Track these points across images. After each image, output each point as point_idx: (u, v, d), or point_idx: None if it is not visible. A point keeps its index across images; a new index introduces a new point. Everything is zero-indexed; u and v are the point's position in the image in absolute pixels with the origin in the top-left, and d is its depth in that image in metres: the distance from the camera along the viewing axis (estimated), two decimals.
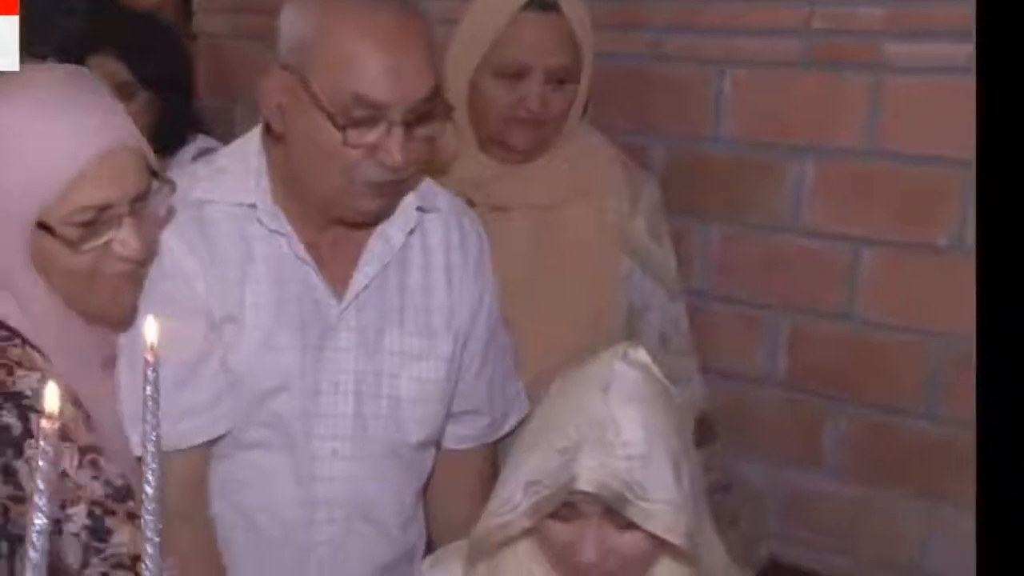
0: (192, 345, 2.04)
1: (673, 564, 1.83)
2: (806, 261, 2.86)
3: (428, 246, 2.20)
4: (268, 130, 2.09)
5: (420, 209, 2.17)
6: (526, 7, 2.43)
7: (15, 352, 1.79)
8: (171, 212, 2.01)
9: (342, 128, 1.94)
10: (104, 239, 1.82)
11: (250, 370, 2.07)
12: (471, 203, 2.41)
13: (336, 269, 2.12)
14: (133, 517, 1.75)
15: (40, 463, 0.88)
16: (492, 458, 2.39)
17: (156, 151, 2.00)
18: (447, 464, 2.35)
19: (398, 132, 1.96)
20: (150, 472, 1.05)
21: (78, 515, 1.72)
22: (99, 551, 1.71)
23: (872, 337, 2.79)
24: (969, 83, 2.47)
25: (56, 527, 1.70)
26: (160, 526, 1.12)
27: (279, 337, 2.08)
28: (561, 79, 2.48)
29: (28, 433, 1.72)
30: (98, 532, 1.71)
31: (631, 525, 1.74)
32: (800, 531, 2.95)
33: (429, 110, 2.00)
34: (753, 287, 2.96)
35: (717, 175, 2.98)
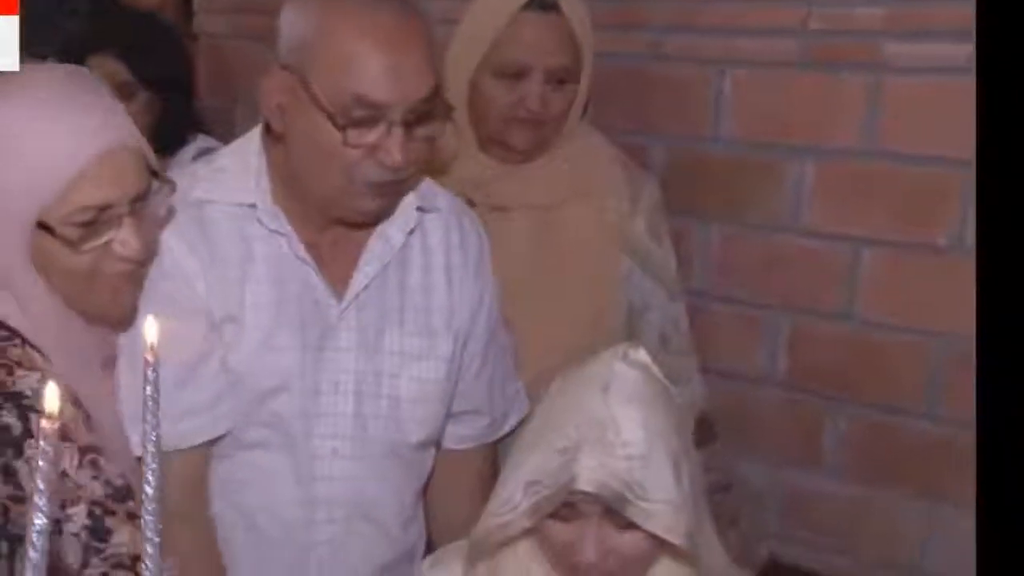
0: (192, 345, 2.04)
1: (673, 564, 1.84)
2: (806, 261, 2.86)
3: (428, 246, 2.20)
4: (268, 130, 2.09)
5: (420, 209, 2.17)
6: (526, 7, 2.43)
7: (15, 352, 1.79)
8: (171, 212, 2.01)
9: (342, 128, 1.94)
10: (104, 239, 1.82)
11: (250, 370, 2.07)
12: (471, 203, 2.41)
13: (336, 269, 2.12)
14: (133, 517, 1.75)
15: (40, 463, 0.88)
16: (492, 458, 2.39)
17: (156, 151, 2.00)
18: (447, 464, 2.35)
19: (398, 132, 1.96)
20: (150, 472, 1.05)
21: (78, 515, 1.71)
22: (99, 551, 1.71)
23: (872, 337, 2.79)
24: (969, 83, 2.48)
25: (56, 527, 1.70)
26: (160, 526, 1.13)
27: (279, 337, 2.08)
28: (561, 79, 2.48)
29: (28, 433, 1.71)
30: (98, 532, 1.71)
31: (631, 525, 1.74)
32: (800, 531, 2.95)
33: (429, 110, 2.00)
34: (753, 287, 2.96)
35: (717, 175, 2.98)
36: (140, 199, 1.85)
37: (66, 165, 1.75)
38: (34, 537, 0.87)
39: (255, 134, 2.14)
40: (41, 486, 0.87)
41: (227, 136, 2.58)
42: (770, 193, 2.89)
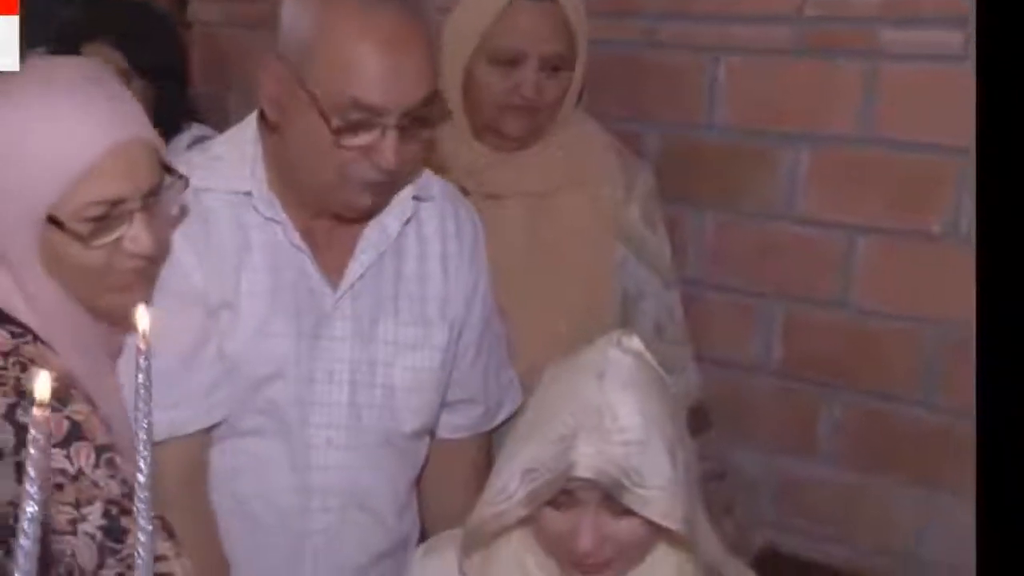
0: (189, 333, 2.03)
1: (670, 550, 1.84)
2: (800, 249, 2.86)
3: (423, 235, 2.20)
4: (264, 118, 2.08)
5: (416, 198, 2.16)
6: None
7: (28, 349, 1.76)
8: (183, 211, 1.99)
9: (336, 131, 1.93)
10: (115, 235, 1.78)
11: (245, 357, 2.06)
12: (465, 191, 2.40)
13: (332, 257, 2.12)
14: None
15: (31, 451, 0.87)
16: (486, 448, 2.39)
17: None
18: (441, 454, 2.34)
19: (392, 135, 1.95)
20: (142, 460, 1.05)
21: (93, 515, 1.68)
22: (115, 551, 1.68)
23: (867, 325, 2.79)
24: (964, 70, 2.49)
25: (71, 527, 1.68)
26: (152, 515, 1.12)
27: (274, 324, 2.08)
28: (555, 66, 2.47)
29: None
30: (114, 532, 1.68)
31: (628, 512, 1.74)
32: (795, 519, 2.95)
33: (426, 113, 2.00)
34: (747, 275, 2.96)
35: (711, 163, 2.98)
36: (152, 194, 1.81)
37: (78, 158, 1.72)
38: (25, 525, 0.87)
39: (250, 122, 2.13)
40: (32, 473, 0.87)
41: (221, 124, 2.58)
42: (765, 181, 2.89)
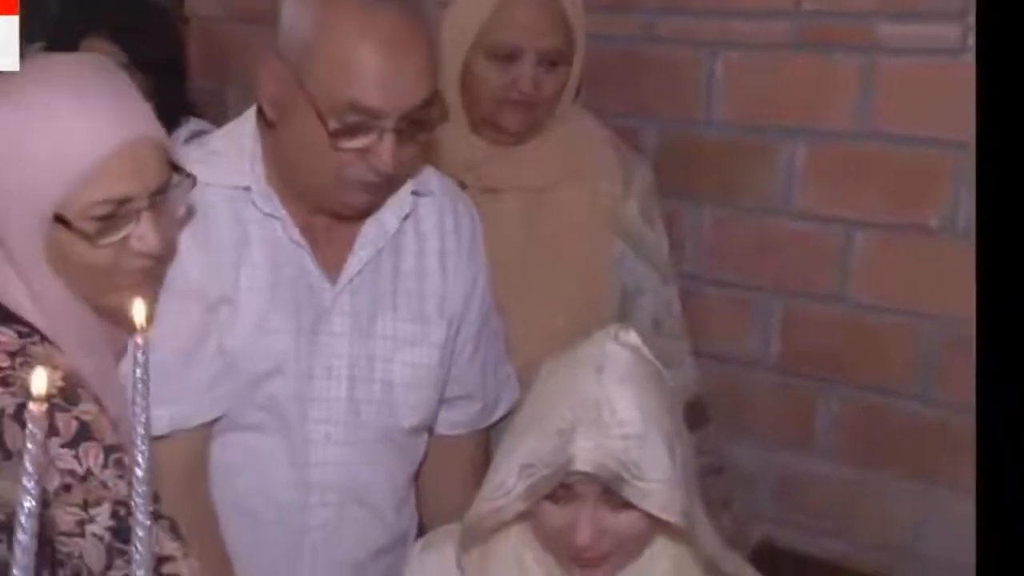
0: (189, 329, 2.03)
1: (668, 544, 1.84)
2: (798, 244, 2.86)
3: (422, 231, 2.20)
4: (263, 113, 2.08)
5: (415, 193, 2.16)
6: None
7: (36, 350, 1.75)
8: (191, 212, 1.99)
9: (333, 134, 1.92)
10: (122, 234, 1.77)
11: (245, 353, 2.06)
12: (462, 185, 2.40)
13: (331, 253, 2.12)
14: (158, 517, 1.72)
15: (28, 446, 0.87)
16: (484, 444, 2.40)
17: None
18: (439, 450, 2.35)
19: (390, 138, 1.95)
20: (140, 455, 1.05)
21: (101, 516, 1.67)
22: (123, 552, 1.66)
23: (865, 319, 2.79)
24: (961, 64, 2.49)
25: (79, 529, 1.68)
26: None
27: (273, 320, 2.08)
28: (553, 61, 2.47)
29: (54, 431, 1.68)
30: (122, 533, 1.67)
31: (626, 505, 1.75)
32: (793, 514, 2.95)
33: (425, 116, 1.99)
34: (745, 270, 2.96)
35: (709, 158, 2.98)
36: (160, 192, 1.80)
37: (83, 157, 1.71)
38: (23, 520, 0.87)
39: (249, 116, 2.13)
40: (29, 468, 0.87)
41: (219, 119, 2.58)
42: (762, 176, 2.89)
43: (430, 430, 2.32)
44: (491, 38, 2.45)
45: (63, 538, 1.66)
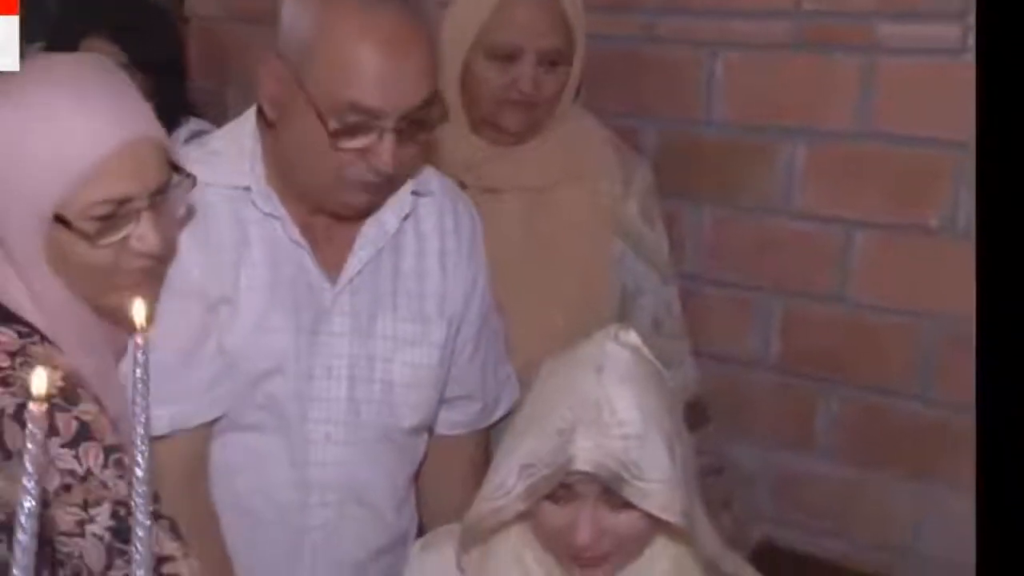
0: (189, 329, 2.03)
1: (668, 544, 1.85)
2: (798, 244, 2.86)
3: (422, 231, 2.20)
4: (263, 113, 2.07)
5: (415, 193, 2.16)
6: None
7: (36, 350, 1.74)
8: (191, 212, 1.99)
9: (332, 134, 1.92)
10: (122, 234, 1.76)
11: (244, 353, 2.06)
12: (462, 185, 2.40)
13: (330, 253, 2.12)
14: (158, 517, 1.72)
15: (28, 446, 0.87)
16: (484, 444, 2.40)
17: None
18: (439, 450, 2.35)
19: (390, 138, 1.94)
20: (139, 454, 1.05)
21: (101, 516, 1.67)
22: (123, 552, 1.66)
23: (865, 319, 2.79)
24: (961, 64, 2.49)
25: (79, 529, 1.67)
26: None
27: (273, 319, 2.07)
28: (553, 61, 2.47)
29: (54, 431, 1.68)
30: (122, 533, 1.67)
31: (626, 505, 1.75)
32: (793, 514, 2.95)
33: (424, 116, 1.99)
34: (745, 270, 2.96)
35: (709, 158, 2.98)
36: (160, 192, 1.80)
37: (83, 157, 1.70)
38: (23, 520, 0.87)
39: (249, 116, 2.13)
40: (30, 468, 0.87)
41: (219, 118, 2.57)
42: (762, 176, 2.89)
43: (430, 430, 2.31)
44: (491, 38, 2.44)
45: (63, 538, 1.66)
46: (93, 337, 1.84)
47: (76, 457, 1.68)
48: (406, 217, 2.15)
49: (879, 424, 2.79)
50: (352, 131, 1.93)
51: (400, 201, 2.13)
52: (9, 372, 1.70)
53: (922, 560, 2.75)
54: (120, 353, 1.90)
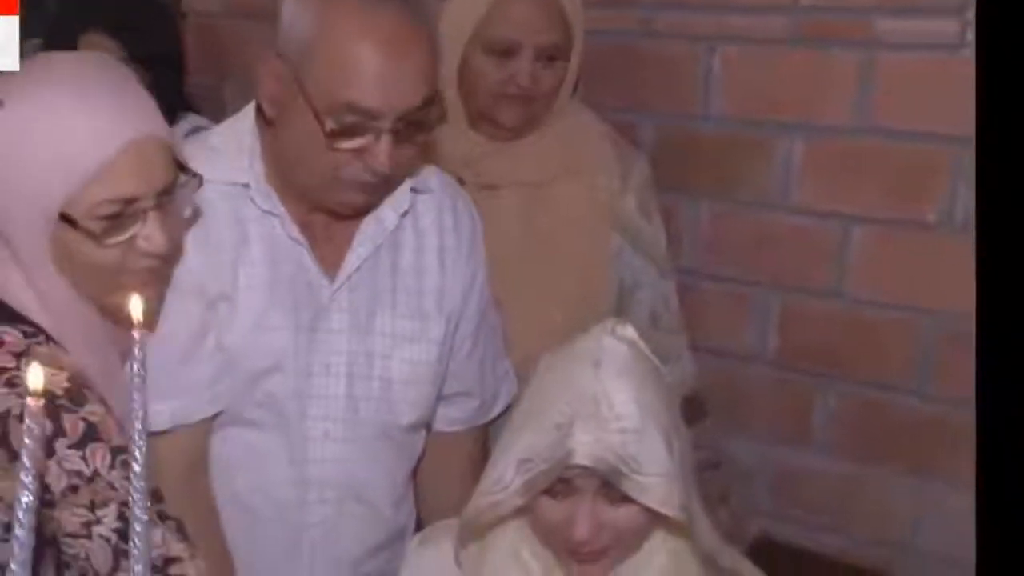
0: (189, 325, 2.03)
1: (666, 538, 1.85)
2: (796, 239, 2.86)
3: (420, 228, 2.20)
4: (261, 110, 2.07)
5: (414, 190, 2.16)
6: None
7: (41, 350, 1.74)
8: (197, 212, 1.98)
9: (330, 135, 1.92)
10: (128, 234, 1.76)
11: (243, 351, 2.06)
12: (460, 181, 2.39)
13: (329, 250, 2.11)
14: (165, 518, 1.72)
15: (26, 441, 0.87)
16: (483, 441, 2.40)
17: None
18: (438, 447, 2.35)
19: (387, 139, 1.94)
20: (137, 450, 1.05)
21: (108, 517, 1.66)
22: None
23: (862, 314, 2.79)
24: (960, 59, 2.49)
25: (86, 530, 1.67)
26: (149, 505, 1.12)
27: (272, 317, 2.07)
28: (551, 56, 2.47)
29: (61, 432, 1.68)
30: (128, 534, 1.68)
31: (625, 499, 1.75)
32: (791, 509, 2.95)
33: (423, 117, 1.99)
34: (743, 265, 2.96)
35: (707, 153, 2.98)
36: (166, 192, 1.79)
37: (89, 157, 1.70)
38: (20, 514, 0.87)
39: (248, 113, 2.13)
40: (27, 464, 0.87)
41: (217, 114, 2.57)
42: (760, 170, 2.89)
43: (428, 426, 2.31)
44: (488, 33, 2.44)
45: (69, 539, 1.66)
46: (98, 337, 1.84)
47: (83, 458, 1.67)
48: (405, 213, 2.15)
49: (877, 420, 2.79)
50: (349, 132, 1.93)
51: (399, 197, 2.13)
52: (15, 373, 1.69)
53: (921, 556, 2.75)
54: (126, 353, 1.88)
